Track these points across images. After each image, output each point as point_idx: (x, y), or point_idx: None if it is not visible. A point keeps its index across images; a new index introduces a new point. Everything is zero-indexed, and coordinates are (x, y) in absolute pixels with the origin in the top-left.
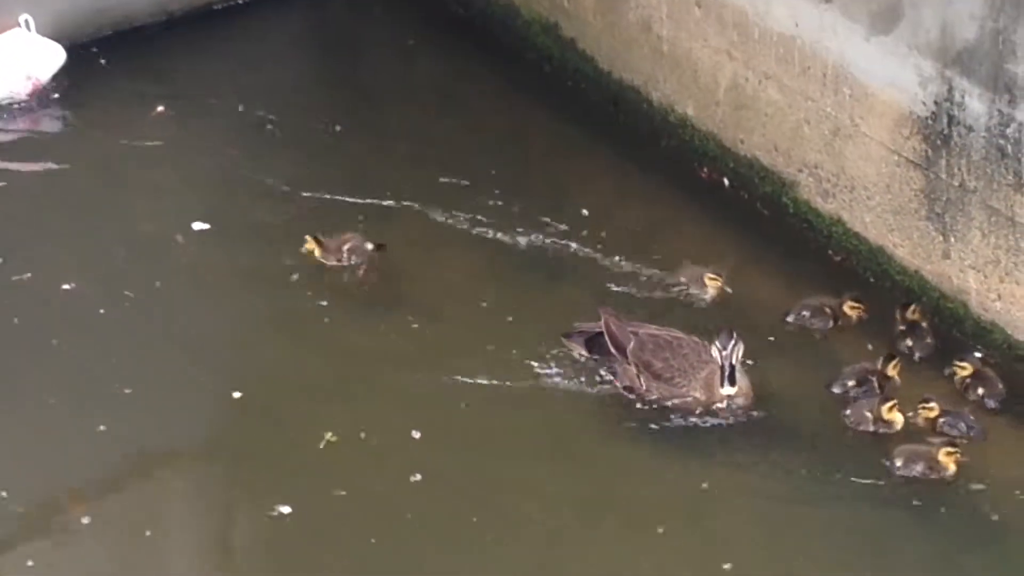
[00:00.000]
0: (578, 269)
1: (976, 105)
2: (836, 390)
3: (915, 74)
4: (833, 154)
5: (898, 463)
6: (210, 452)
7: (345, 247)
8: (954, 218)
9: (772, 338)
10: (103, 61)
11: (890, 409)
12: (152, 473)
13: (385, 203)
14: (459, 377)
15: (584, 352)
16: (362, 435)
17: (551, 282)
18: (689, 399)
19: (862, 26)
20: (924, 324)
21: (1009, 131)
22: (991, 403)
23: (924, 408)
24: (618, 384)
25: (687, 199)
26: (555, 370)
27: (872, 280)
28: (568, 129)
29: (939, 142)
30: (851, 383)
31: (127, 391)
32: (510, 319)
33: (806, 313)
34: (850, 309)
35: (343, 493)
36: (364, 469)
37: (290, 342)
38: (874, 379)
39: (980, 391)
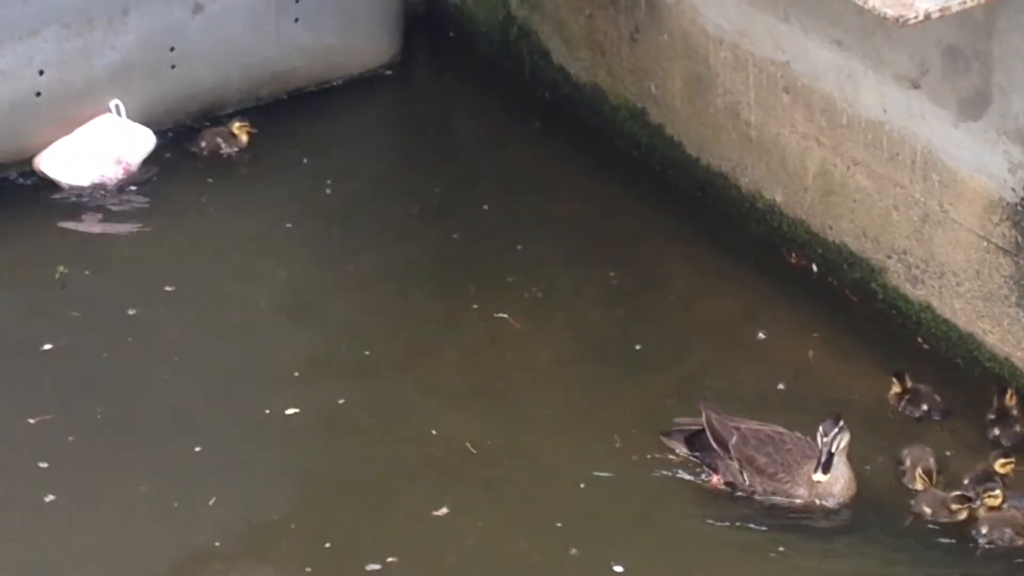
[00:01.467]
0: (666, 358)
1: None
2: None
3: (1004, 160)
4: (922, 240)
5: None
6: None
7: None
8: None
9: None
10: (191, 148)
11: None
12: None
13: (464, 285)
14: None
15: (685, 450)
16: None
17: (640, 370)
18: (794, 495)
19: (950, 112)
20: (1016, 411)
21: None
22: None
23: (989, 496)
24: (719, 481)
25: (776, 285)
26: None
27: (962, 367)
28: (656, 215)
29: None
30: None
31: None
32: (599, 407)
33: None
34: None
35: None
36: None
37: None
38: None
39: None
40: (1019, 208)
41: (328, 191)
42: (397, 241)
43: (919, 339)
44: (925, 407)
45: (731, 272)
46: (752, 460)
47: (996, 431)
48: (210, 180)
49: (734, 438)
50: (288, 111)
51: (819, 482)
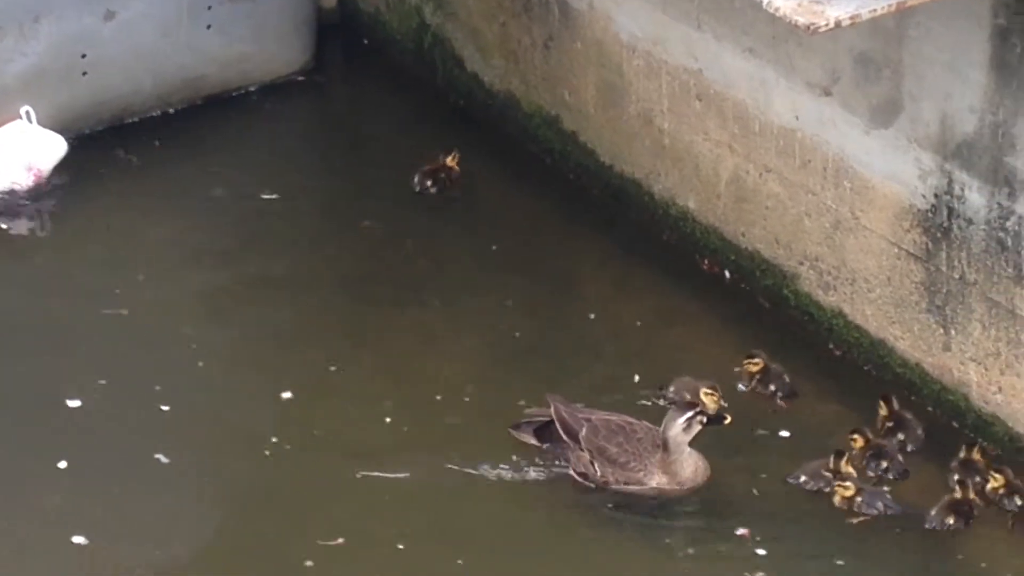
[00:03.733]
0: (574, 365)
1: (976, 198)
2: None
3: (915, 167)
4: (834, 247)
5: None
6: None
7: None
8: (955, 311)
9: (763, 432)
10: (105, 153)
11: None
12: None
13: (387, 292)
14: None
15: (534, 441)
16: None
17: (555, 375)
18: (647, 483)
19: (862, 119)
20: (909, 415)
21: (1009, 224)
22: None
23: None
24: (572, 472)
25: (689, 292)
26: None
27: (873, 373)
28: (570, 222)
29: (939, 235)
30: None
31: None
32: (492, 410)
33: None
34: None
35: None
36: None
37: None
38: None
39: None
40: (929, 215)
41: (241, 197)
42: (310, 248)
43: (831, 345)
44: (772, 387)
45: (645, 278)
46: (603, 450)
47: (900, 436)
48: (122, 187)
49: (584, 429)
50: (201, 118)
51: (670, 466)
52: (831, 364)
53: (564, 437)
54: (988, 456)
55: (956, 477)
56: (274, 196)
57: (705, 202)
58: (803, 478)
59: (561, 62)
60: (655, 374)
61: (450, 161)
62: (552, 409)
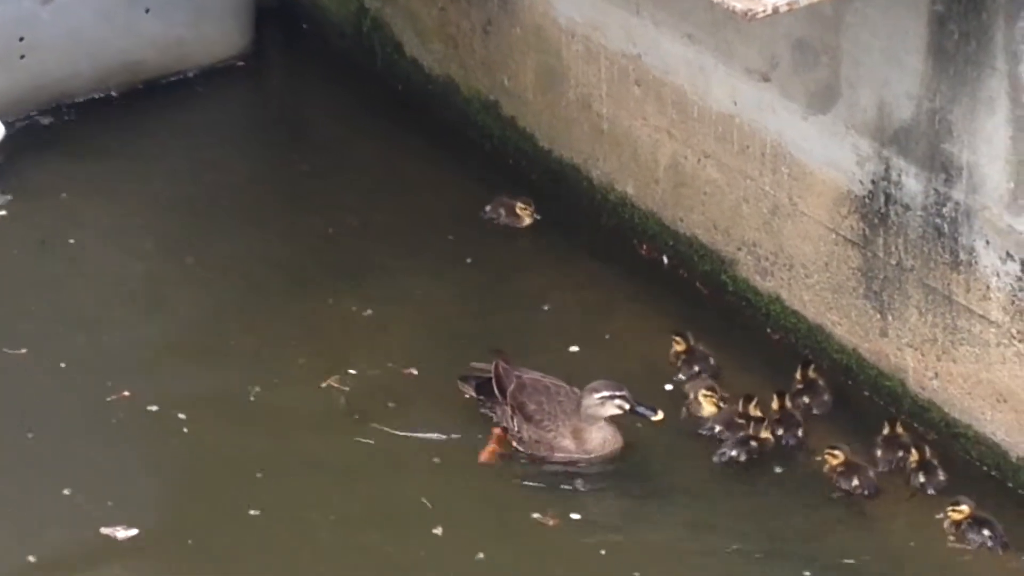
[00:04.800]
0: (511, 350)
1: (913, 184)
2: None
3: (853, 153)
4: (772, 232)
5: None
6: None
7: None
8: (892, 296)
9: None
10: (43, 137)
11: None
12: None
13: (319, 279)
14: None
15: (473, 393)
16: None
17: (481, 359)
18: (558, 447)
19: (800, 105)
20: (821, 382)
21: (945, 210)
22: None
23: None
24: (500, 426)
25: (627, 277)
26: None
27: (810, 358)
28: None
29: (876, 221)
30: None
31: None
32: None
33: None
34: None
35: None
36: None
37: None
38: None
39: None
40: (867, 201)
41: (180, 182)
42: (249, 233)
43: (768, 331)
44: (697, 368)
45: (583, 264)
46: (523, 407)
47: (806, 399)
48: (61, 171)
49: (512, 385)
50: (140, 102)
51: (580, 433)
52: (769, 349)
53: (496, 392)
54: (911, 431)
55: (879, 452)
56: (212, 179)
57: (643, 187)
58: (717, 428)
59: (500, 47)
60: (592, 359)
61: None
62: (493, 364)
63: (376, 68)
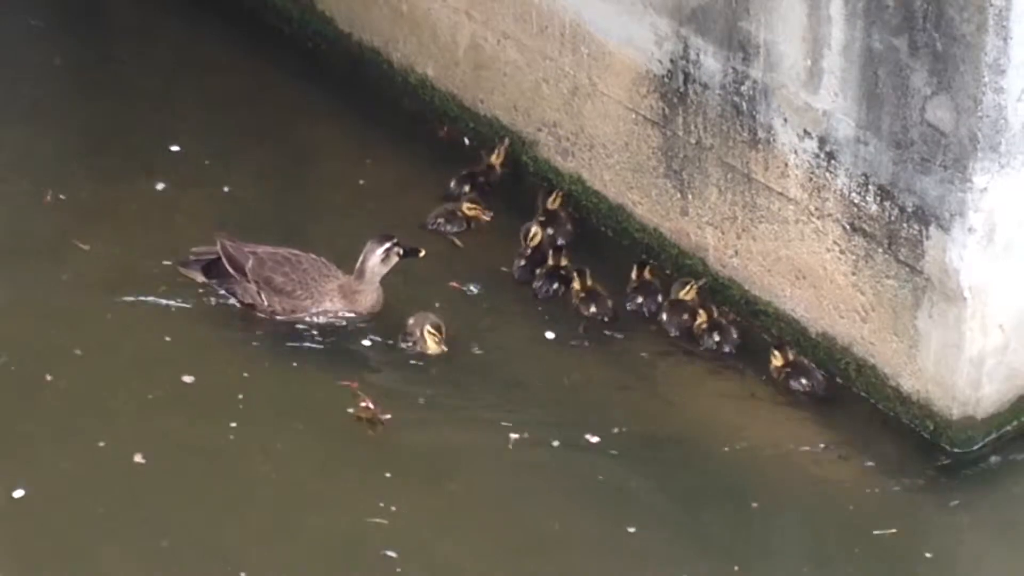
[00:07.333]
0: (312, 230)
1: (711, 63)
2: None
3: (651, 32)
4: (572, 113)
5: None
6: None
7: None
8: (691, 175)
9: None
10: None
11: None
12: None
13: (110, 167)
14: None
15: (202, 278)
16: None
17: (295, 243)
18: (315, 312)
19: None
20: (563, 214)
21: (743, 89)
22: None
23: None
24: (238, 304)
25: (428, 160)
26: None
27: (612, 237)
28: (309, 91)
29: (676, 100)
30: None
31: None
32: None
33: (441, 220)
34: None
35: None
36: None
37: None
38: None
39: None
40: (666, 80)
41: None
42: (51, 119)
43: (571, 209)
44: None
45: (384, 147)
46: (269, 280)
47: (639, 299)
48: None
49: (250, 261)
50: None
51: (356, 295)
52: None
53: (230, 271)
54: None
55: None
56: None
57: (443, 70)
58: (440, 220)
59: None
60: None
61: None
62: (219, 245)
63: None
